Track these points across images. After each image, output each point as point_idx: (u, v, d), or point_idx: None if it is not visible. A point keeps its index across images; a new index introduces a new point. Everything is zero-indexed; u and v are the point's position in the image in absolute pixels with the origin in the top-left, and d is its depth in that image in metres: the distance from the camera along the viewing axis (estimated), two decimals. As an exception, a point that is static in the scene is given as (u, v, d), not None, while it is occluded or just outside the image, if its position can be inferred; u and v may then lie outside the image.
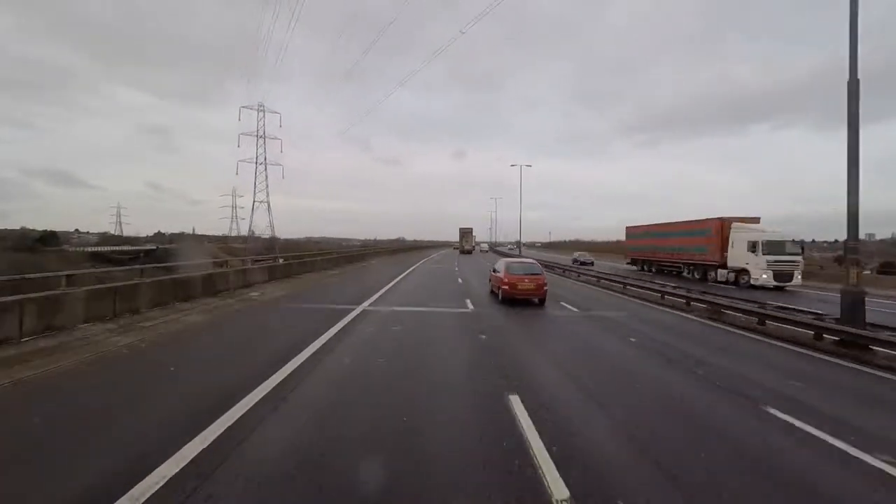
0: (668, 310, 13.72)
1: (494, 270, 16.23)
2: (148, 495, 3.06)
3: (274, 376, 5.81)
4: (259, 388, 5.33)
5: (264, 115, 68.31)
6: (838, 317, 9.60)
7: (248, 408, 4.71)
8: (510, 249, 78.25)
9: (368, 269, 29.81)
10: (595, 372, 6.75)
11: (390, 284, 18.59)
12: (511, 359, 7.29)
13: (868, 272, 41.62)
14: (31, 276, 10.79)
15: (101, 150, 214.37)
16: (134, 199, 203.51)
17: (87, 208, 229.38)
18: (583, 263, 40.03)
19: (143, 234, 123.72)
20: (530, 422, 4.55)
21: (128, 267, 29.39)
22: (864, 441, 4.43)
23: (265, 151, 69.01)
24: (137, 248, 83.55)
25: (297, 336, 8.23)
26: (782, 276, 21.62)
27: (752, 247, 22.22)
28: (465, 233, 68.40)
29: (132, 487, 3.14)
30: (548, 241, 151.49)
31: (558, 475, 3.49)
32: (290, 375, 5.93)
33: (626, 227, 37.86)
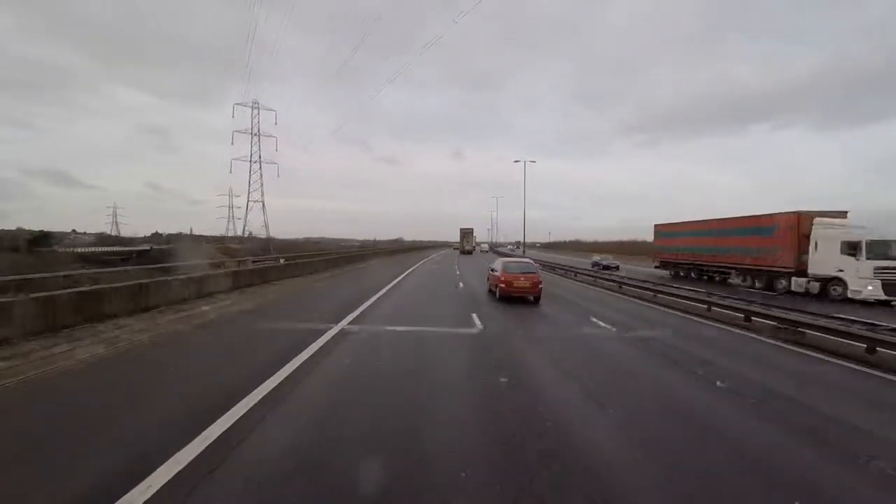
0: (724, 327, 10.80)
1: (492, 270, 16.35)
2: None
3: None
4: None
5: (259, 113, 65.45)
6: None
7: None
8: (511, 250, 75.74)
9: (362, 271, 26.90)
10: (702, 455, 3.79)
11: (382, 291, 15.69)
12: (556, 426, 4.37)
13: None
14: None
15: (100, 150, 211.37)
16: (134, 199, 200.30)
17: (86, 208, 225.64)
18: (605, 267, 34.12)
19: (141, 235, 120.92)
20: None
21: (112, 269, 26.70)
22: None
23: (260, 150, 66.09)
24: (131, 248, 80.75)
25: (200, 401, 4.76)
26: (893, 287, 15.98)
27: (851, 249, 17.01)
28: (466, 233, 66.86)
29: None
30: (547, 241, 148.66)
31: None
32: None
33: (655, 225, 31.90)
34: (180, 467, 3.38)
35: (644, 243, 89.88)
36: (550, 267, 30.92)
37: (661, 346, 8.43)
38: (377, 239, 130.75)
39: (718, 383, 6.16)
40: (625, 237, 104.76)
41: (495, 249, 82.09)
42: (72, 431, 4.06)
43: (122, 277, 18.18)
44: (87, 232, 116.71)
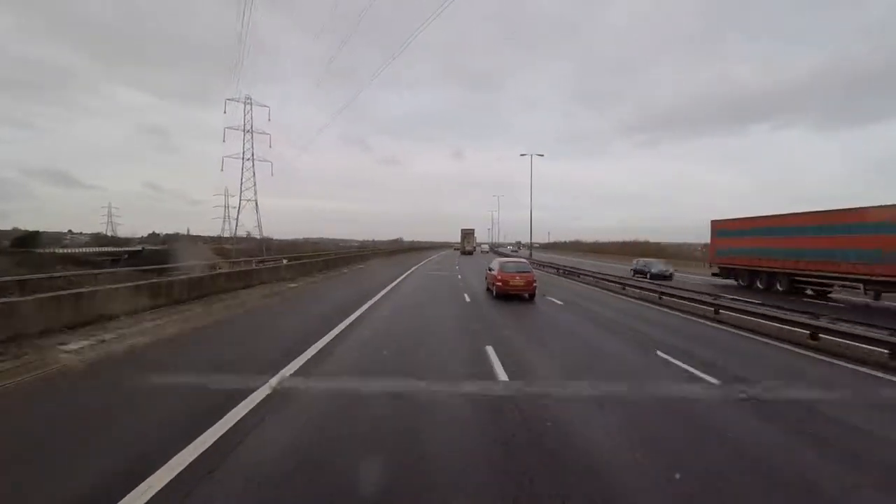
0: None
1: (490, 269, 16.59)
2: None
3: None
4: None
5: (251, 109, 61.50)
6: None
7: None
8: (513, 251, 72.41)
9: (353, 275, 23.09)
10: None
11: (366, 306, 11.95)
12: None
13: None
14: None
15: (100, 150, 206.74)
16: (133, 199, 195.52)
17: (84, 209, 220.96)
18: (655, 276, 25.60)
19: (138, 235, 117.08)
20: None
21: (87, 271, 23.09)
22: None
23: (253, 147, 62.18)
24: (123, 249, 76.99)
25: None
26: None
27: None
28: (467, 234, 65.16)
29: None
30: (547, 241, 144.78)
31: None
32: None
33: (713, 222, 24.36)
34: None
35: (647, 244, 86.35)
36: (573, 273, 26.56)
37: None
38: (376, 239, 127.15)
39: None
40: (623, 237, 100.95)
41: (496, 250, 78.66)
42: None
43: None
44: (84, 232, 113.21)
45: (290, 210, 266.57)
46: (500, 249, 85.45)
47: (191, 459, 3.39)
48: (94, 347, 6.84)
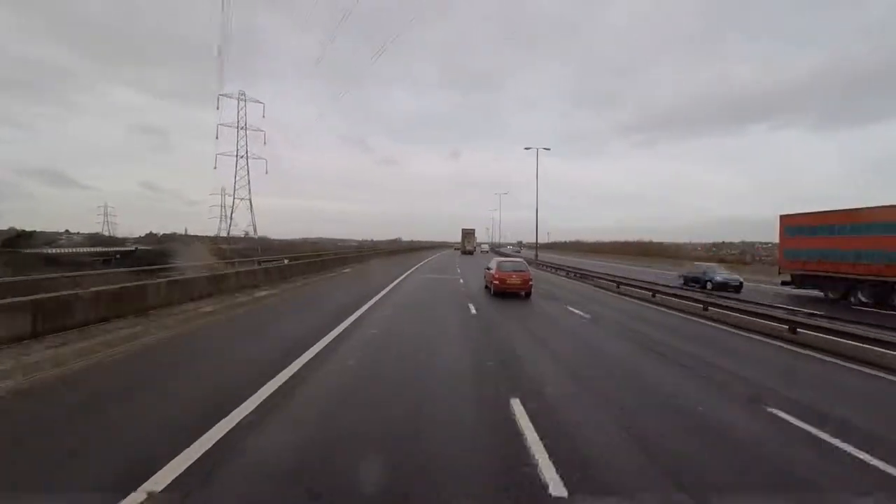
0: None
1: (488, 268, 16.76)
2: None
3: None
4: None
5: (245, 105, 58.70)
6: None
7: None
8: (515, 251, 70.17)
9: (340, 280, 20.29)
10: None
11: (341, 327, 9.16)
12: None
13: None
14: None
15: (97, 150, 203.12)
16: (132, 199, 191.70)
17: (82, 209, 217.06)
18: (718, 285, 19.54)
19: (136, 235, 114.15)
20: None
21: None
22: None
23: (246, 144, 59.39)
24: (116, 249, 74.13)
25: None
26: None
27: None
28: (468, 234, 63.93)
29: None
30: (546, 241, 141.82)
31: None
32: None
33: (782, 217, 19.44)
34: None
35: (651, 244, 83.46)
36: (586, 276, 23.93)
37: None
38: (375, 239, 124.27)
39: None
40: (620, 237, 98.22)
41: (496, 250, 75.97)
42: None
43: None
44: (80, 232, 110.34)
45: (290, 210, 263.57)
46: (501, 249, 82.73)
47: None
48: None
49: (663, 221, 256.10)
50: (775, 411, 4.97)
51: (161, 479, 3.05)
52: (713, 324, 11.17)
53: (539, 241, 45.27)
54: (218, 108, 59.06)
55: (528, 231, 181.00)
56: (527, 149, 36.74)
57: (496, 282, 14.96)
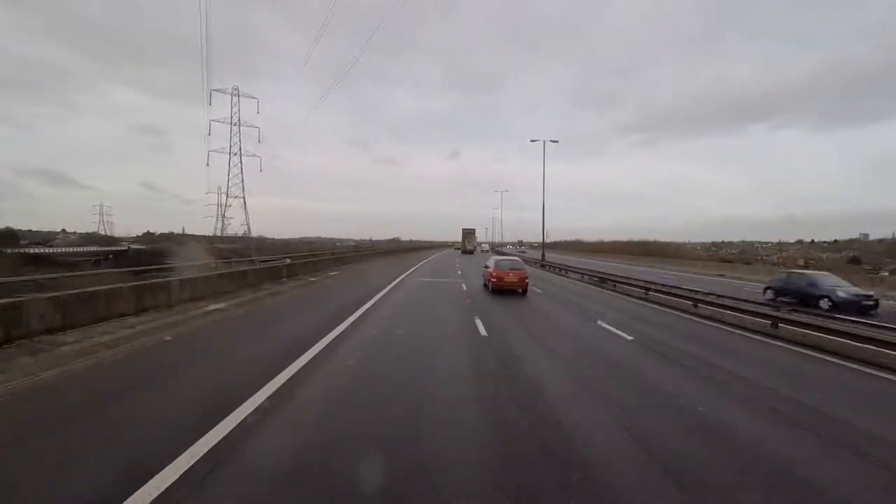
0: None
1: (486, 266, 17.24)
2: None
3: None
4: None
5: (239, 101, 55.80)
6: None
7: None
8: (519, 252, 68.02)
9: (319, 287, 17.49)
10: None
11: (302, 360, 6.35)
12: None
13: (886, 274, 28.67)
14: None
15: (97, 150, 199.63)
16: (131, 198, 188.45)
17: (80, 208, 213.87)
18: (842, 305, 13.30)
19: (133, 234, 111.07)
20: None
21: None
22: None
23: (240, 141, 56.55)
24: (108, 248, 71.10)
25: None
26: None
27: None
28: (468, 233, 63.04)
29: None
30: (546, 241, 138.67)
31: None
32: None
33: None
34: None
35: (654, 243, 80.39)
36: (604, 280, 20.89)
37: None
38: (373, 239, 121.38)
39: None
40: (621, 237, 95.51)
41: (496, 250, 73.37)
42: None
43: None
44: (77, 232, 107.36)
45: (291, 210, 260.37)
46: (501, 249, 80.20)
47: None
48: None
49: (663, 221, 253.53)
50: None
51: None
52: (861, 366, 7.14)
53: (537, 241, 42.49)
54: (210, 104, 56.07)
55: (528, 231, 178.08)
56: (533, 141, 34.02)
57: (494, 279, 15.36)
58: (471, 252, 59.49)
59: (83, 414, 4.24)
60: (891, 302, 16.09)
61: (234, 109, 56.76)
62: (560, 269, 27.81)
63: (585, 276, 22.82)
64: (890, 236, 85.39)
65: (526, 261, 41.34)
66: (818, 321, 9.37)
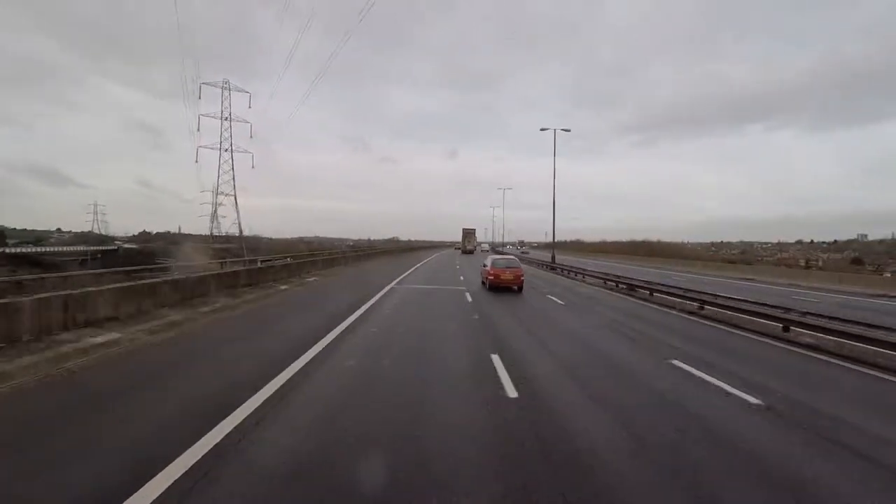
0: None
1: (484, 265, 17.49)
2: None
3: None
4: None
5: (230, 95, 52.11)
6: None
7: None
8: (523, 253, 65.29)
9: (282, 302, 13.88)
10: None
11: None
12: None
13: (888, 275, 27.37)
14: None
15: (95, 148, 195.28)
16: (128, 197, 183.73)
17: (77, 207, 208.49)
18: None
19: (130, 233, 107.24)
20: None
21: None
22: None
23: (231, 137, 52.83)
24: (97, 248, 67.39)
25: None
26: None
27: None
28: (468, 233, 61.86)
29: None
30: (546, 241, 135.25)
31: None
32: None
33: None
34: None
35: (660, 243, 76.55)
36: (640, 287, 17.15)
37: None
38: (372, 238, 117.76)
39: None
40: (621, 237, 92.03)
41: (496, 249, 70.12)
42: None
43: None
44: (72, 231, 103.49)
45: (291, 209, 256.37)
46: (501, 249, 76.99)
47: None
48: None
49: (662, 221, 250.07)
50: None
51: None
52: None
53: (540, 241, 38.96)
54: (200, 98, 52.36)
55: (529, 231, 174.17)
56: (543, 129, 30.26)
57: (491, 277, 15.69)
58: (471, 252, 58.05)
59: None
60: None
61: (225, 104, 53.05)
62: (574, 273, 24.19)
63: (608, 282, 19.15)
64: (889, 237, 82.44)
65: (532, 262, 38.22)
66: None
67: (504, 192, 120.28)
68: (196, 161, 57.90)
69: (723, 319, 10.82)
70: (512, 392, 5.06)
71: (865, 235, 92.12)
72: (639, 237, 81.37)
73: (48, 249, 61.81)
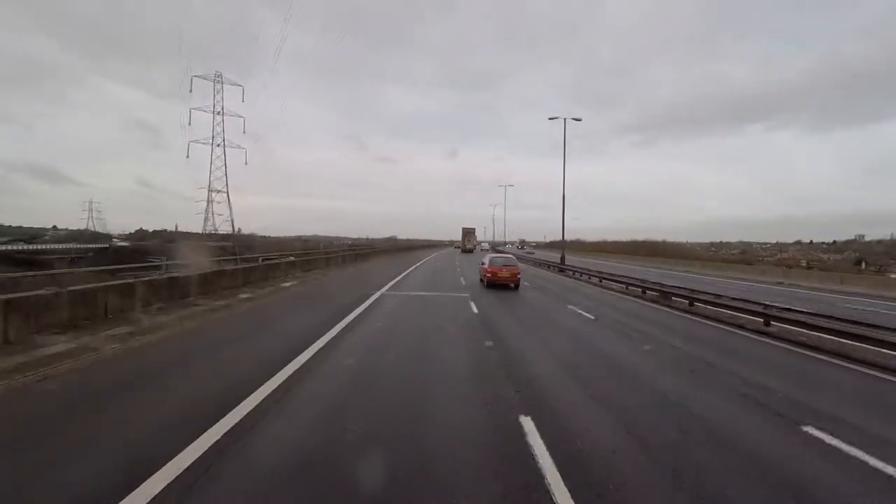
0: None
1: (482, 263, 17.80)
2: None
3: None
4: None
5: (223, 88, 49.35)
6: None
7: None
8: (527, 253, 63.16)
9: (234, 319, 11.24)
10: None
11: None
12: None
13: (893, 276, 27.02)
14: None
15: (94, 147, 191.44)
16: (127, 195, 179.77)
17: (75, 205, 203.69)
18: None
19: (127, 231, 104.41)
20: None
21: None
22: None
23: (223, 132, 50.09)
24: (88, 246, 64.67)
25: None
26: None
27: None
28: (468, 233, 61.24)
29: None
30: (547, 241, 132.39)
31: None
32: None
33: None
34: None
35: (663, 244, 73.52)
36: (687, 297, 14.65)
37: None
38: (370, 237, 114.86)
39: None
40: (621, 237, 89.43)
41: (497, 249, 67.79)
42: None
43: None
44: (68, 228, 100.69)
45: (290, 209, 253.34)
46: (501, 249, 74.71)
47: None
48: None
49: (662, 221, 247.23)
50: None
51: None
52: None
53: (539, 241, 36.30)
54: (191, 91, 49.54)
55: (528, 231, 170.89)
56: (552, 119, 27.54)
57: (488, 275, 16.05)
58: (470, 251, 57.18)
59: None
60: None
61: (217, 97, 50.31)
62: (588, 276, 21.52)
63: (630, 287, 16.48)
64: (889, 237, 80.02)
65: (538, 263, 35.49)
66: None
67: (506, 190, 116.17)
68: (187, 156, 55.20)
69: (807, 343, 8.17)
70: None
71: (863, 236, 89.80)
72: (639, 237, 79.51)
73: (40, 247, 59.20)
